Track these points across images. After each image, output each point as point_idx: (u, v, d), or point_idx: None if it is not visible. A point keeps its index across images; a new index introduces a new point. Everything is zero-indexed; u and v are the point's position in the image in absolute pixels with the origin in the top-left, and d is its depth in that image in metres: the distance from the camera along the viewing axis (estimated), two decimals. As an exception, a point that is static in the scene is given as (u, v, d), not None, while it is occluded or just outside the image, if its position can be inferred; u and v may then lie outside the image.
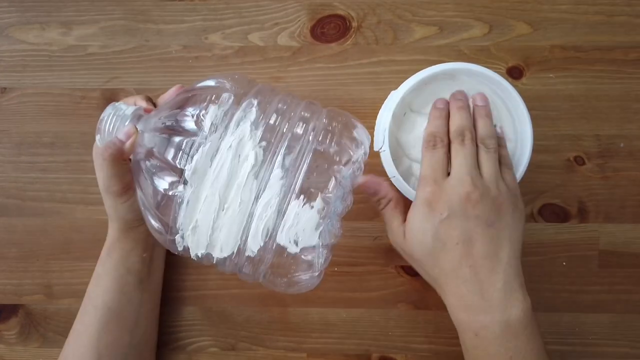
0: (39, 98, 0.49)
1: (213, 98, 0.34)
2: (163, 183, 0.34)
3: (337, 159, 0.35)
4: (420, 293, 0.47)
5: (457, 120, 0.38)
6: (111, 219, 0.41)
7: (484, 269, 0.34)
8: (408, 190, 0.41)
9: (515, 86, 0.48)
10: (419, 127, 0.43)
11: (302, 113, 0.35)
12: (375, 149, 0.43)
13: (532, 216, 0.48)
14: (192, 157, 0.32)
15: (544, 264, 0.47)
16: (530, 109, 0.42)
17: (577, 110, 0.48)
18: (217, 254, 0.34)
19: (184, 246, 0.34)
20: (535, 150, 0.44)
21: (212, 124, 0.33)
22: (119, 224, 0.41)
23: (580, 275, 0.47)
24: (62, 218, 0.48)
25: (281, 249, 0.33)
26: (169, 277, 0.47)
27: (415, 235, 0.35)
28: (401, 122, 0.44)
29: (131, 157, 0.37)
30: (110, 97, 0.49)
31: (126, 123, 0.36)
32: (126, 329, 0.41)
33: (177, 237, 0.34)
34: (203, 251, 0.34)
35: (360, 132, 0.36)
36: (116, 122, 0.36)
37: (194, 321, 0.48)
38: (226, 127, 0.33)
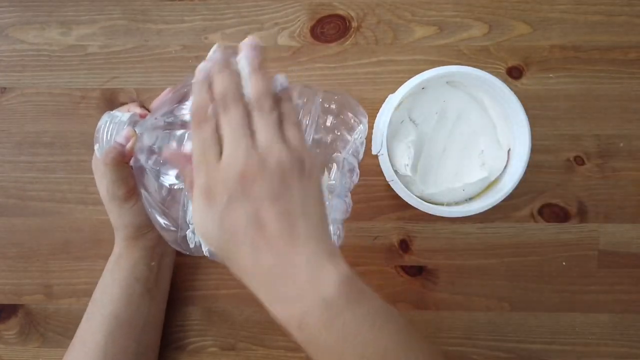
0: (38, 98, 0.49)
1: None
2: (168, 178, 0.34)
3: (338, 134, 0.35)
4: (420, 293, 0.47)
5: (218, 85, 0.31)
6: (118, 228, 0.41)
7: (282, 250, 0.28)
8: (407, 194, 0.41)
9: (514, 86, 0.48)
10: (410, 137, 0.44)
11: (300, 97, 0.35)
12: (374, 152, 0.43)
13: (532, 216, 0.48)
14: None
15: (544, 264, 0.47)
16: (529, 109, 0.42)
17: (577, 110, 0.48)
18: None
19: (195, 242, 0.35)
20: (535, 150, 0.44)
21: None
22: (126, 233, 0.41)
23: (580, 275, 0.47)
24: (61, 218, 0.48)
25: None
26: (168, 277, 0.47)
27: (202, 231, 0.30)
28: (398, 128, 0.45)
29: (132, 162, 0.37)
30: (110, 96, 0.49)
31: (123, 129, 0.36)
32: (133, 336, 0.41)
33: (189, 233, 0.34)
34: None
35: (357, 108, 0.36)
36: (113, 129, 0.37)
37: (194, 321, 0.48)
38: None
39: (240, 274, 0.30)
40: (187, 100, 0.34)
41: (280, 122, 0.30)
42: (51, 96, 0.49)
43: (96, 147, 0.38)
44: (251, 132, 0.29)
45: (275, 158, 0.29)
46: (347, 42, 0.49)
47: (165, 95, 0.39)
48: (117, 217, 0.40)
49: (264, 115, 0.30)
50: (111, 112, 0.38)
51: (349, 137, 0.36)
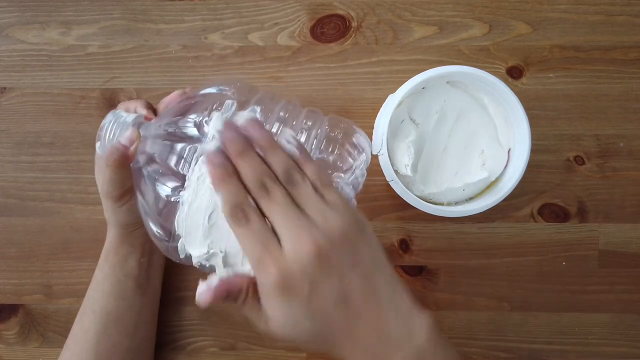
0: (38, 98, 0.49)
1: (216, 105, 0.34)
2: (165, 189, 0.34)
3: (339, 165, 0.34)
4: (420, 293, 0.47)
5: (245, 169, 0.29)
6: (110, 223, 0.41)
7: (372, 312, 0.28)
8: (407, 194, 0.41)
9: (514, 86, 0.48)
10: (410, 137, 0.44)
11: (304, 121, 0.35)
12: (374, 152, 0.43)
13: (532, 216, 0.48)
14: (193, 164, 0.32)
15: (544, 264, 0.47)
16: (529, 108, 0.42)
17: (577, 110, 0.48)
18: None
19: (185, 254, 0.34)
20: (535, 150, 0.44)
21: (214, 131, 0.33)
22: (117, 228, 0.41)
23: (580, 275, 0.47)
24: (61, 218, 0.48)
25: None
26: (168, 277, 0.47)
27: (289, 328, 0.28)
28: (398, 128, 0.45)
29: (132, 163, 0.37)
30: (110, 96, 0.49)
31: (127, 130, 0.36)
32: (125, 333, 0.41)
33: (179, 244, 0.34)
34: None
35: (361, 139, 0.36)
36: (116, 129, 0.37)
37: (193, 321, 0.48)
38: None
39: (339, 354, 0.29)
40: (195, 112, 0.34)
41: (316, 189, 0.29)
42: (51, 96, 0.49)
43: (98, 144, 0.37)
44: (300, 210, 0.28)
45: (337, 228, 0.28)
46: (347, 42, 0.49)
47: (174, 99, 0.38)
48: (109, 212, 0.40)
49: (301, 189, 0.29)
50: (116, 111, 0.38)
51: (349, 166, 0.35)
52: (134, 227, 0.41)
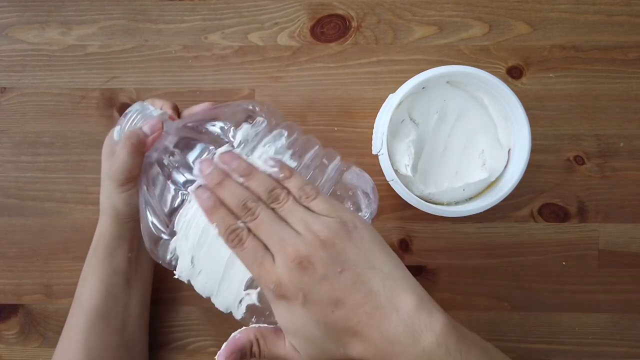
0: (38, 98, 0.49)
1: (248, 118, 0.35)
2: (179, 180, 0.34)
3: (347, 203, 0.35)
4: (420, 293, 0.47)
5: (227, 196, 0.31)
6: (103, 210, 0.41)
7: (369, 316, 0.28)
8: (407, 194, 0.41)
9: (514, 86, 0.48)
10: (410, 137, 0.44)
11: (323, 159, 0.36)
12: (374, 152, 0.43)
13: (532, 216, 0.48)
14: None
15: (543, 264, 0.47)
16: (529, 108, 0.42)
17: (577, 110, 0.48)
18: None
19: (173, 254, 0.34)
20: (535, 150, 0.44)
21: (242, 140, 0.33)
22: (109, 215, 0.41)
23: (580, 275, 0.47)
24: (61, 218, 0.48)
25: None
26: (167, 277, 0.47)
27: (302, 339, 0.30)
28: (398, 128, 0.45)
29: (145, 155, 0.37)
30: (110, 96, 0.49)
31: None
32: (114, 330, 0.41)
33: (172, 242, 0.34)
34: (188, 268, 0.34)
35: (371, 189, 0.37)
36: (140, 119, 0.37)
37: (193, 321, 0.48)
38: (253, 148, 0.34)
39: (359, 355, 0.29)
40: (221, 120, 0.35)
41: (298, 200, 0.31)
42: (51, 96, 0.49)
43: (117, 129, 0.38)
44: (285, 223, 0.30)
45: (319, 234, 0.29)
46: (347, 42, 0.49)
47: (205, 108, 0.40)
48: (106, 196, 0.40)
49: (284, 204, 0.30)
50: (144, 102, 0.39)
51: (359, 208, 0.36)
52: (127, 218, 0.41)
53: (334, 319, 0.28)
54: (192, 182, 0.33)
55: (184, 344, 0.47)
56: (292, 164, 0.34)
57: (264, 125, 0.35)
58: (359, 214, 0.36)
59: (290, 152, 0.34)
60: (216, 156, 0.33)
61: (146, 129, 0.36)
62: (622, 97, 0.48)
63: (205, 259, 0.32)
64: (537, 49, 0.48)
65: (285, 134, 0.35)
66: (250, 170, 0.32)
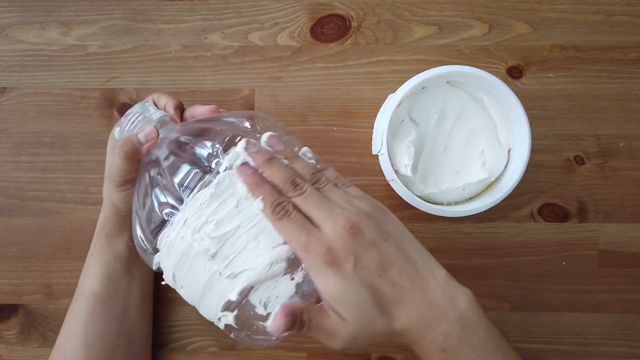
0: (38, 98, 0.49)
1: (236, 139, 0.34)
2: (161, 200, 0.34)
3: None
4: (420, 293, 0.47)
5: (275, 173, 0.33)
6: (105, 201, 0.43)
7: (412, 280, 0.31)
8: (407, 194, 0.41)
9: (514, 86, 0.48)
10: (410, 137, 0.44)
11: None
12: (374, 152, 0.43)
13: (532, 216, 0.48)
14: (195, 191, 0.32)
15: (544, 264, 0.47)
16: (529, 108, 0.42)
17: (577, 110, 0.48)
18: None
19: (157, 266, 0.35)
20: (535, 150, 0.44)
21: (227, 167, 0.33)
22: (110, 208, 0.42)
23: (580, 275, 0.47)
24: (61, 218, 0.48)
25: (250, 307, 0.32)
26: (168, 277, 0.47)
27: (349, 305, 0.30)
28: (398, 128, 0.45)
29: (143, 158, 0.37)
30: (110, 96, 0.49)
31: (148, 126, 0.37)
32: (114, 317, 0.42)
33: (155, 257, 0.34)
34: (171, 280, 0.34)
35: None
36: (140, 122, 0.37)
37: (193, 321, 0.48)
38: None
39: (402, 325, 0.31)
40: (215, 139, 0.34)
41: (338, 186, 0.34)
42: (51, 96, 0.49)
43: (117, 129, 0.38)
44: (329, 200, 0.32)
45: (363, 209, 0.32)
46: (347, 42, 0.49)
47: (208, 111, 0.40)
48: (108, 192, 0.42)
49: (325, 186, 0.33)
50: (145, 103, 0.38)
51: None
52: (126, 213, 0.42)
53: (381, 284, 0.30)
54: (173, 207, 0.33)
55: (184, 344, 0.47)
56: None
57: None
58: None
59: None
60: (263, 139, 0.34)
61: (141, 137, 0.36)
62: (622, 97, 0.48)
63: (184, 278, 0.33)
64: (537, 49, 0.48)
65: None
66: (295, 154, 0.34)
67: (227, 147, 0.34)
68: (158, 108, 0.40)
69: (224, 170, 0.33)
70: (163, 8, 0.49)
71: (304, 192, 0.32)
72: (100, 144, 0.48)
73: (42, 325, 0.48)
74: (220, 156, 0.33)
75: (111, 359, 0.41)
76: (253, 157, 0.33)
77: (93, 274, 0.42)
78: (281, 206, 0.31)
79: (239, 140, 0.34)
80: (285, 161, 0.34)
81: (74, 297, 0.42)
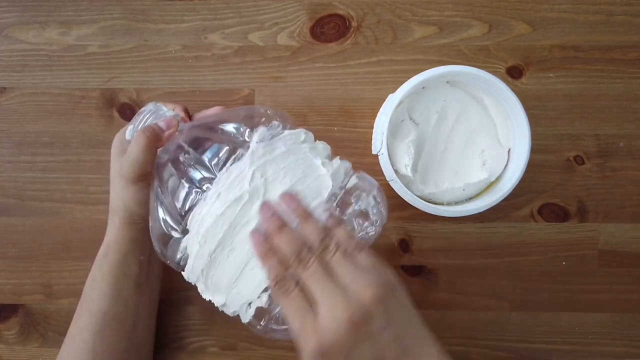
0: (38, 98, 0.49)
1: (264, 120, 0.36)
2: (194, 178, 0.34)
3: (361, 232, 0.36)
4: (420, 293, 0.47)
5: (283, 244, 0.33)
6: (113, 211, 0.41)
7: None
8: (407, 194, 0.41)
9: (514, 86, 0.48)
10: (410, 137, 0.44)
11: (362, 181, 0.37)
12: (374, 152, 0.43)
13: (532, 216, 0.48)
14: (227, 165, 0.34)
15: (543, 263, 0.47)
16: (529, 108, 0.42)
17: (577, 110, 0.48)
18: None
19: (184, 254, 0.35)
20: (535, 150, 0.44)
21: (258, 140, 0.35)
22: (120, 216, 0.40)
23: (579, 275, 0.47)
24: (61, 218, 0.48)
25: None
26: (169, 277, 0.47)
27: None
28: (398, 128, 0.45)
29: (159, 153, 0.38)
30: (110, 96, 0.49)
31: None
32: (123, 333, 0.41)
33: (184, 240, 0.34)
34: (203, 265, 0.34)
35: (383, 209, 0.37)
36: (153, 120, 0.38)
37: (194, 321, 0.48)
38: (273, 149, 0.35)
39: None
40: (241, 122, 0.36)
41: (346, 251, 0.33)
42: (51, 96, 0.49)
43: (130, 128, 0.39)
44: (334, 277, 0.31)
45: (369, 292, 0.30)
46: (347, 42, 0.49)
47: (216, 112, 0.41)
48: (117, 196, 0.40)
49: (333, 255, 0.32)
50: (158, 103, 0.39)
51: (364, 228, 0.37)
52: (139, 219, 0.40)
53: None
54: (208, 179, 0.34)
55: (185, 344, 0.47)
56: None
57: (279, 129, 0.36)
58: (369, 219, 0.36)
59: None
60: (276, 197, 0.35)
61: (162, 124, 0.37)
62: (622, 97, 0.48)
63: (222, 253, 0.34)
64: (537, 49, 0.48)
65: (304, 135, 0.36)
66: (307, 214, 0.34)
67: (254, 126, 0.36)
68: None
69: (255, 143, 0.34)
70: (163, 8, 0.49)
71: (309, 269, 0.32)
72: (100, 144, 0.48)
73: (42, 325, 0.48)
74: (247, 134, 0.35)
75: None
76: (266, 224, 0.34)
77: (102, 291, 0.40)
78: (283, 282, 0.32)
79: (261, 120, 0.36)
80: (296, 221, 0.34)
81: (79, 310, 0.41)
